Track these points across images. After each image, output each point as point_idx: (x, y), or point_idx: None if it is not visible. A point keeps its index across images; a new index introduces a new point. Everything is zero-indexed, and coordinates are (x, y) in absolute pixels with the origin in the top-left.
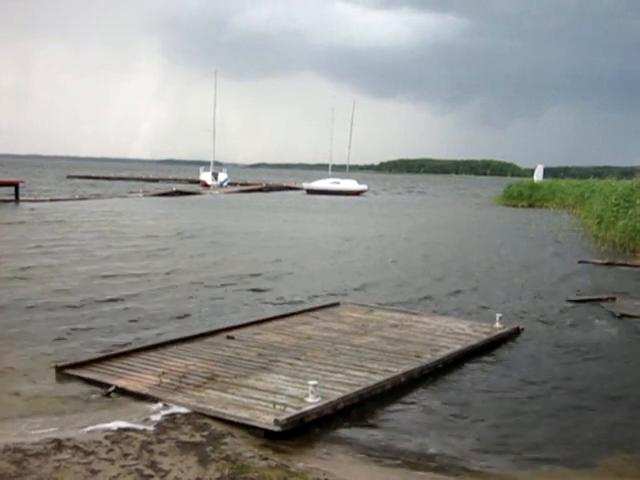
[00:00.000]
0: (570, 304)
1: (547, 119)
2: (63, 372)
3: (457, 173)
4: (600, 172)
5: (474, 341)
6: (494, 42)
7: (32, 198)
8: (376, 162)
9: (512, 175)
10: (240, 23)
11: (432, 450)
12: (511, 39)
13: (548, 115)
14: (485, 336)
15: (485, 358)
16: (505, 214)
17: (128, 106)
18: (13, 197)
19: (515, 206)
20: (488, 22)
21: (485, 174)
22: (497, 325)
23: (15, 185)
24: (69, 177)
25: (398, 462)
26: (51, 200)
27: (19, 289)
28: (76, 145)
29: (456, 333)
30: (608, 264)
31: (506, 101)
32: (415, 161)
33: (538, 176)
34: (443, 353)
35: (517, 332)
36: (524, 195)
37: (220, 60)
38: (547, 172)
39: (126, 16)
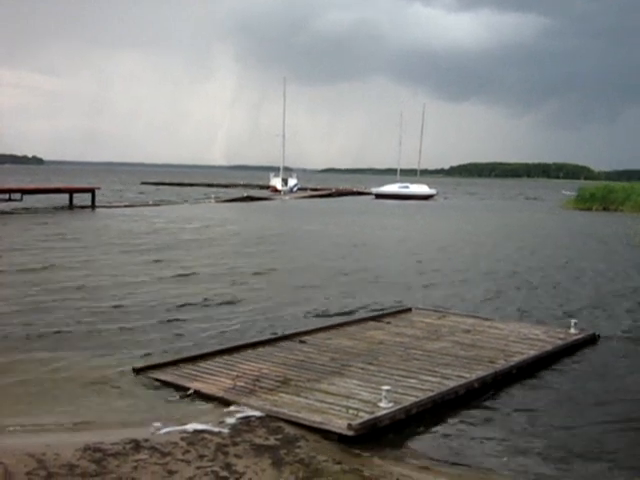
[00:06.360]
0: None
1: (625, 120)
2: (140, 374)
3: (529, 176)
4: None
5: (548, 347)
6: (573, 41)
7: (107, 204)
8: (447, 166)
9: (585, 178)
10: (316, 27)
11: (505, 458)
12: (590, 38)
13: (626, 116)
14: (560, 342)
15: (559, 364)
16: (578, 219)
17: (202, 113)
18: (89, 203)
19: (589, 209)
20: (568, 21)
21: (558, 177)
22: (572, 331)
23: (92, 191)
24: (143, 183)
25: (471, 470)
26: (126, 206)
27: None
28: (151, 152)
29: (530, 339)
30: None
31: (582, 102)
32: (486, 165)
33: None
34: (517, 359)
35: (594, 338)
36: (597, 198)
37: (295, 65)
38: (624, 175)
39: (201, 23)
